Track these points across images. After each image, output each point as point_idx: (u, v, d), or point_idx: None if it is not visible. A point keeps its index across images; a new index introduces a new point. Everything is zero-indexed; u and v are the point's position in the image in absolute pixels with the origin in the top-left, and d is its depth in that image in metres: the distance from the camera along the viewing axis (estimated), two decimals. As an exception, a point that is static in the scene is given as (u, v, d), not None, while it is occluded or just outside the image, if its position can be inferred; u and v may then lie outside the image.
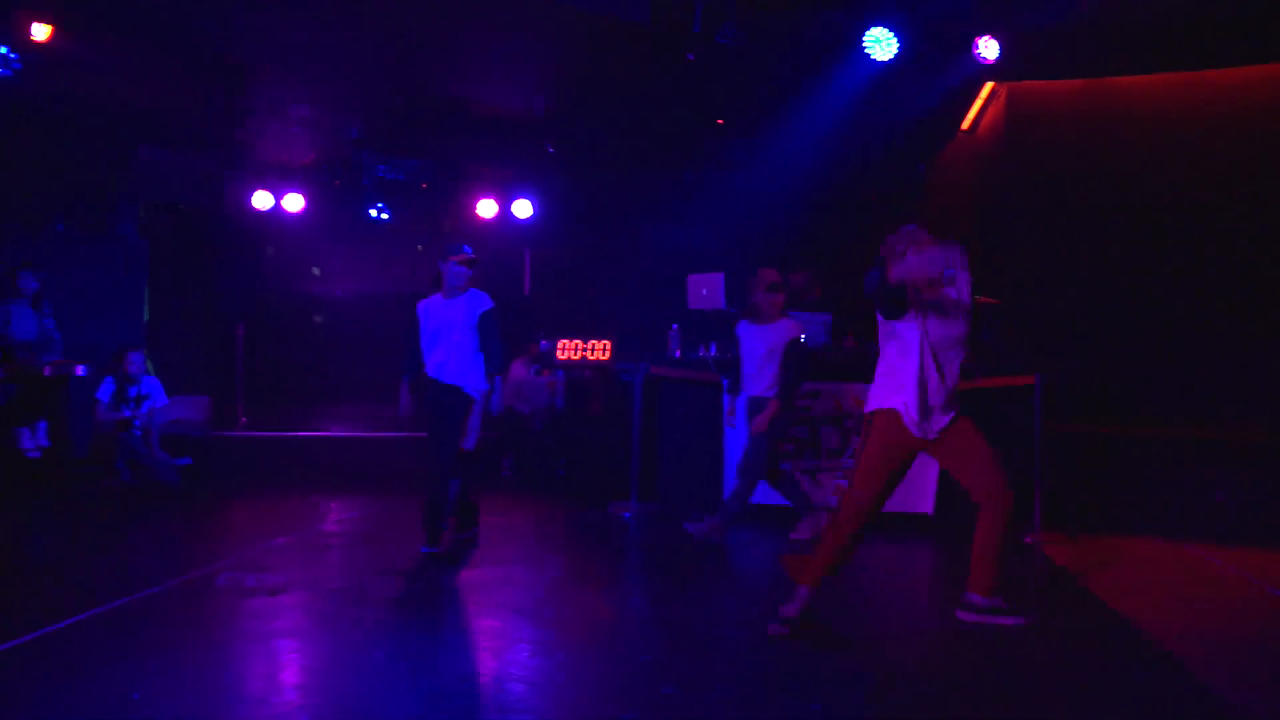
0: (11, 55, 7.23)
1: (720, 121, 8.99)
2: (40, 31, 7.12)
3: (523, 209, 10.67)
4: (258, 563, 4.88)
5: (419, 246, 12.23)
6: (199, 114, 9.07)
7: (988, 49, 7.12)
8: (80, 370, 7.32)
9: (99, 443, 7.42)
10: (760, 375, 5.59)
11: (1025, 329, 7.40)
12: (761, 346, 5.58)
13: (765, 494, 5.81)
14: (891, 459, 3.62)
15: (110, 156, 9.53)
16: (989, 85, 8.02)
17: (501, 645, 3.69)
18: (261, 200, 10.42)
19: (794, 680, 3.27)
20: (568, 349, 7.26)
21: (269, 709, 2.96)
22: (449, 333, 5.16)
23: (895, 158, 8.76)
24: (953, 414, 3.63)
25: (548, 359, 7.47)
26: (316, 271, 12.44)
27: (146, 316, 9.03)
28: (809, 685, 3.22)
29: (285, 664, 3.44)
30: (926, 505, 6.16)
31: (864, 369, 6.51)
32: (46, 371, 7.14)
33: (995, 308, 6.80)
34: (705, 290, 7.11)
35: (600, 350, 7.16)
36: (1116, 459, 6.22)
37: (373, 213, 10.87)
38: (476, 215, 10.84)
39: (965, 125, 8.56)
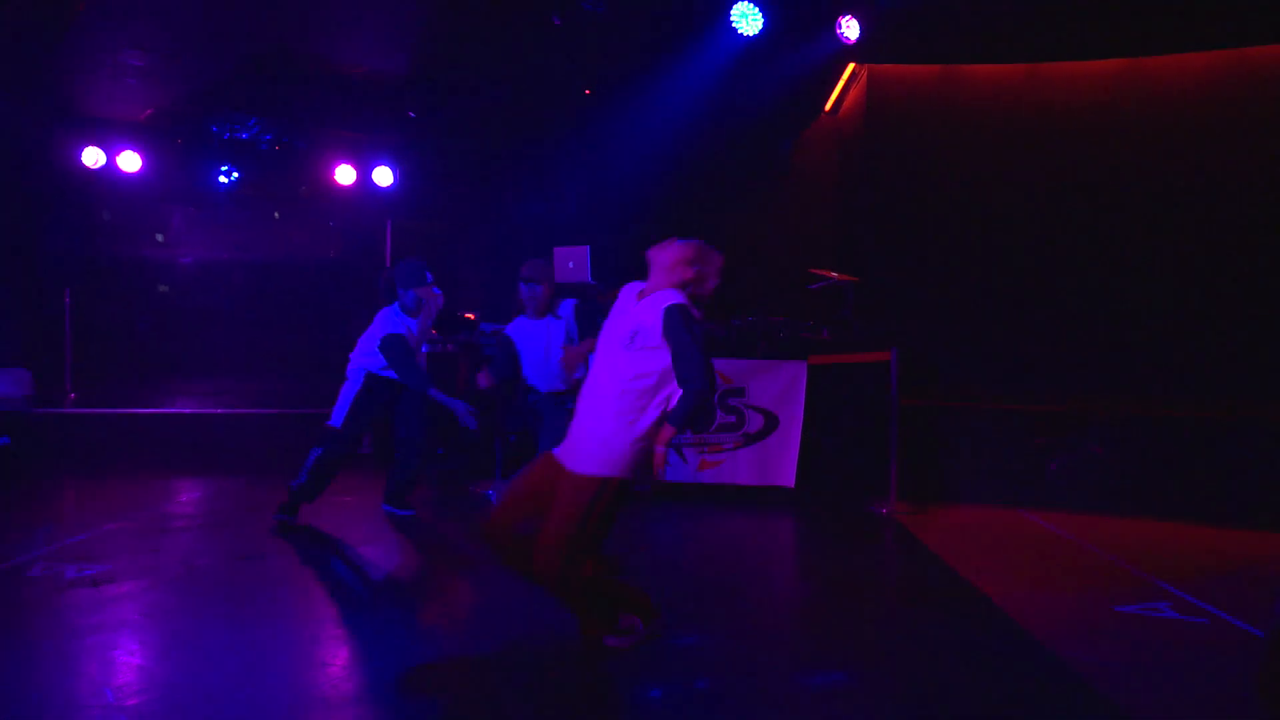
0: None
1: (588, 92, 8.86)
2: None
3: (383, 176, 10.25)
4: (81, 551, 4.48)
5: (275, 214, 11.58)
6: (17, 56, 8.20)
7: (849, 28, 7.28)
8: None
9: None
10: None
11: (882, 306, 7.67)
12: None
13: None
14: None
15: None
16: (850, 66, 8.22)
17: (347, 633, 3.51)
18: (92, 157, 9.60)
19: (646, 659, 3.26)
20: (430, 322, 7.03)
21: (87, 714, 2.71)
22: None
23: (760, 135, 8.86)
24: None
25: (409, 332, 7.20)
26: (160, 238, 11.59)
27: (-44, 282, 8.16)
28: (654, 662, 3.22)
29: (108, 661, 3.15)
30: (788, 479, 6.30)
31: (717, 344, 6.62)
32: None
33: (854, 285, 7.03)
34: (571, 263, 7.01)
35: (465, 323, 6.96)
36: (960, 431, 6.53)
37: (221, 176, 10.19)
38: (335, 181, 10.34)
39: (828, 106, 8.76)
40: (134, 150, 9.73)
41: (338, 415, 5.19)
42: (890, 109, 8.20)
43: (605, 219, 8.99)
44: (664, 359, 3.05)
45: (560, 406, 4.89)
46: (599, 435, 3.06)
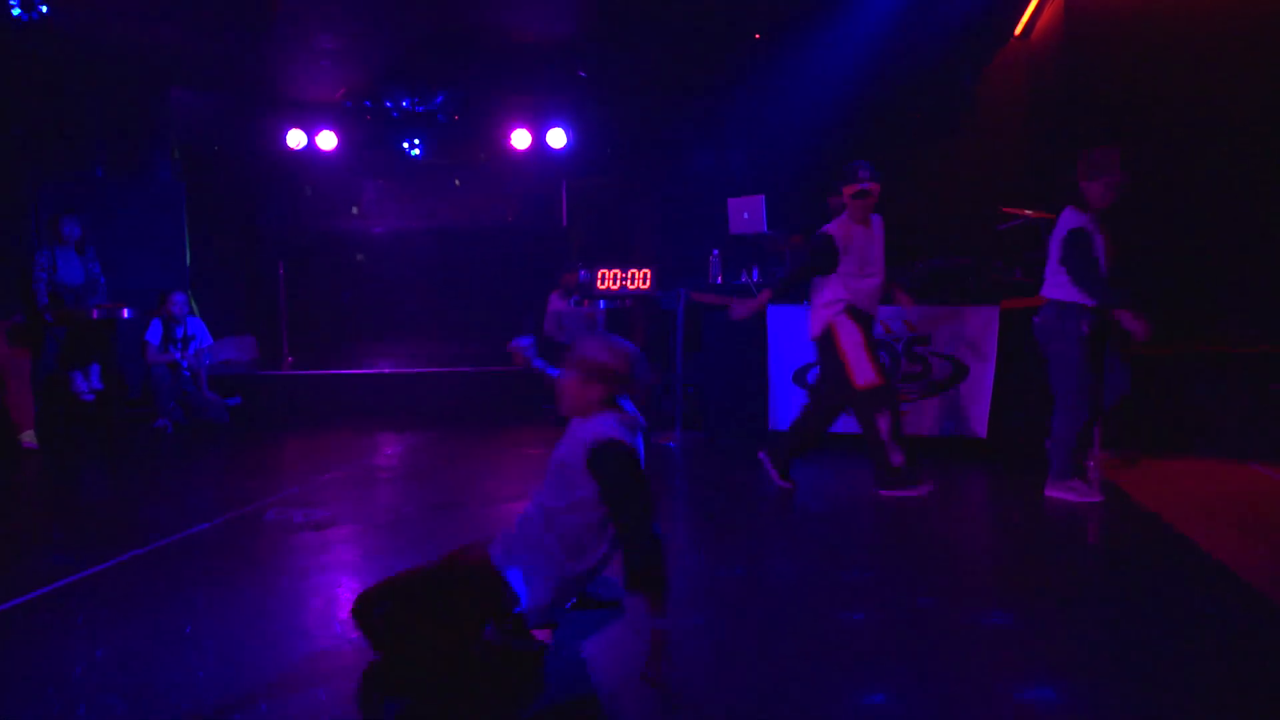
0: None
1: (758, 36, 8.64)
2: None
3: (557, 138, 10.46)
4: (306, 498, 4.92)
5: (456, 181, 12.10)
6: (227, 52, 8.95)
7: (1044, -57, 6.68)
8: (126, 313, 7.40)
9: (149, 383, 7.53)
10: None
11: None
12: None
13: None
14: None
15: (143, 100, 9.50)
16: (1045, -16, 7.57)
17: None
18: (295, 139, 10.36)
19: (833, 590, 3.20)
20: (608, 279, 7.15)
21: (316, 643, 2.97)
22: None
23: (942, 67, 8.35)
24: None
25: (587, 289, 7.36)
26: (355, 210, 12.39)
27: (189, 259, 9.07)
28: (844, 597, 3.15)
29: (334, 598, 3.45)
30: (979, 429, 6.00)
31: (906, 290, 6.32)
32: (94, 315, 7.22)
33: (1050, 223, 6.52)
34: (747, 214, 6.91)
35: (640, 279, 7.03)
36: (1176, 376, 5.97)
37: (406, 147, 10.74)
38: (511, 147, 10.67)
39: (1018, 31, 8.12)
40: (330, 129, 10.42)
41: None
42: (1091, 29, 7.49)
43: (779, 167, 8.79)
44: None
45: None
46: None
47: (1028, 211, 6.50)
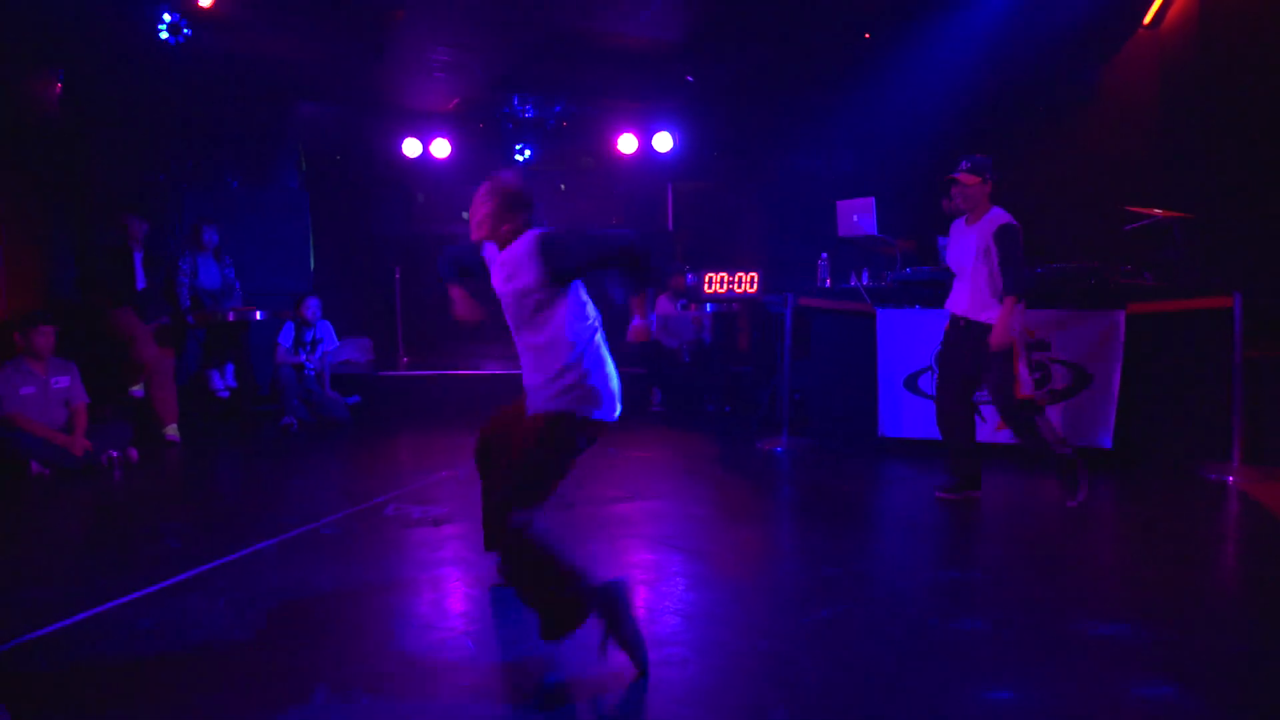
0: (182, 23, 7.66)
1: (868, 35, 8.48)
2: (205, -2, 7.50)
3: (663, 142, 10.53)
4: (423, 495, 5.11)
5: (561, 186, 12.32)
6: (348, 67, 9.37)
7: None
8: (259, 315, 7.84)
9: (276, 382, 7.95)
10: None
11: (1220, 246, 6.71)
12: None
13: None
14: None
15: (272, 113, 10.04)
16: (1177, -29, 7.19)
17: (655, 578, 3.70)
18: (411, 148, 10.75)
19: (948, 608, 3.13)
20: (714, 282, 7.16)
21: (436, 634, 3.09)
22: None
23: (1064, 60, 8.00)
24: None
25: (694, 293, 7.39)
26: (465, 216, 12.75)
27: (313, 263, 9.53)
28: (964, 606, 3.07)
29: (450, 592, 3.57)
30: (1104, 440, 5.75)
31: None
32: (230, 317, 7.68)
33: (1183, 223, 6.19)
34: (856, 216, 6.80)
35: (748, 282, 7.02)
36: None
37: (516, 155, 11.00)
38: (618, 151, 10.80)
39: (1147, 20, 7.72)
40: (444, 137, 10.77)
41: None
42: (1226, 18, 7.06)
43: (888, 169, 8.61)
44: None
45: None
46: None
47: (1157, 211, 6.18)
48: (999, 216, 4.64)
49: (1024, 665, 2.79)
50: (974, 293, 4.70)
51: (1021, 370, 4.62)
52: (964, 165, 4.71)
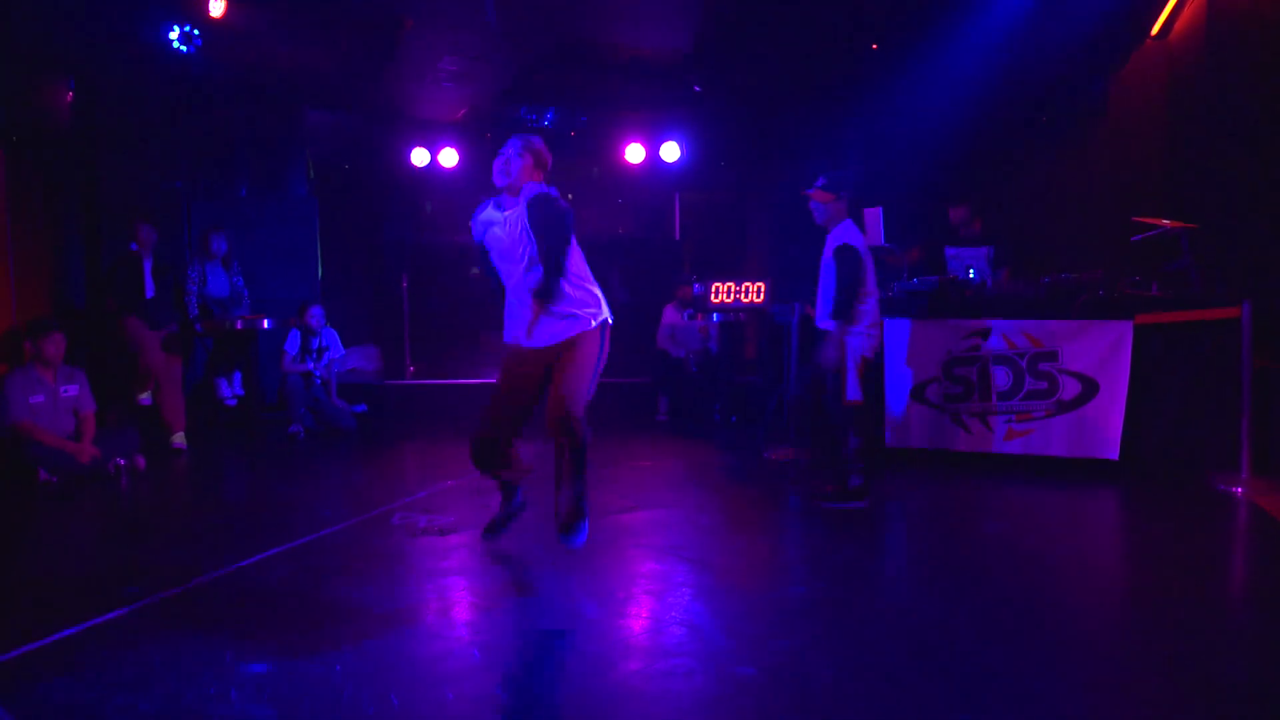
0: (194, 32, 7.72)
1: (875, 46, 8.50)
2: (216, 7, 7.54)
3: (670, 152, 10.55)
4: (429, 504, 5.11)
5: (568, 195, 12.35)
6: (357, 75, 9.42)
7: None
8: (267, 323, 7.87)
9: (283, 390, 7.97)
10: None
11: (1228, 256, 6.69)
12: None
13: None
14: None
15: (281, 121, 10.08)
16: (1185, -19, 7.19)
17: (662, 588, 3.69)
18: (419, 157, 10.79)
19: (953, 620, 3.11)
20: (721, 292, 7.17)
21: (442, 643, 3.09)
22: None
23: (1071, 71, 8.00)
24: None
25: (701, 302, 7.39)
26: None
27: (320, 272, 9.56)
28: (966, 619, 3.06)
29: (456, 601, 3.57)
30: (1110, 451, 5.72)
31: (1024, 304, 6.09)
32: (238, 326, 7.71)
33: (1191, 233, 6.17)
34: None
35: (754, 292, 7.02)
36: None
37: (524, 163, 11.02)
38: (625, 161, 10.82)
39: (1155, 30, 7.72)
40: (452, 147, 10.80)
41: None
42: (1235, 29, 7.05)
43: (895, 180, 8.61)
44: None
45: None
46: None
47: (1165, 221, 6.17)
48: (841, 235, 4.89)
49: (1032, 678, 2.78)
50: (823, 303, 5.03)
51: (851, 380, 4.88)
52: (820, 181, 4.97)
